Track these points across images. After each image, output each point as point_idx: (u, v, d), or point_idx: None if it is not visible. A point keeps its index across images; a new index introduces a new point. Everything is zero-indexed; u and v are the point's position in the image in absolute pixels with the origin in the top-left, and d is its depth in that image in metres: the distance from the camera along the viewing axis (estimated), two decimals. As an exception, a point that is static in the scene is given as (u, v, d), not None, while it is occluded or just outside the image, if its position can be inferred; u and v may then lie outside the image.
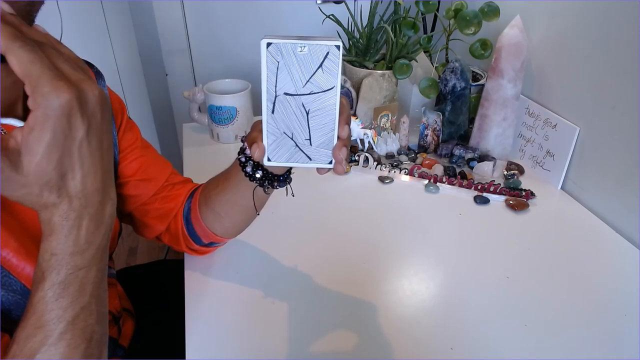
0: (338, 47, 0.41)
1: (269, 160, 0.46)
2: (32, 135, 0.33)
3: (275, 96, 0.43)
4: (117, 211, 0.64)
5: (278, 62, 0.42)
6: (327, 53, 0.42)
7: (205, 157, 1.05)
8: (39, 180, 0.34)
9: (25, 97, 0.33)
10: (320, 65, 0.42)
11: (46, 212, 0.36)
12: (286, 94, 0.43)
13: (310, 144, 0.46)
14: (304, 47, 0.41)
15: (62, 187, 0.36)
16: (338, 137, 0.45)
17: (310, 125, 0.45)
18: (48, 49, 0.34)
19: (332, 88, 0.43)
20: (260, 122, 0.47)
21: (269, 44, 0.41)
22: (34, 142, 0.33)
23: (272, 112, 0.44)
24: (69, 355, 0.37)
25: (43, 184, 0.35)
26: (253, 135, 0.48)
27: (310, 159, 0.46)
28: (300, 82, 0.43)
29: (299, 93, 0.43)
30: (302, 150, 0.46)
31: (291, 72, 0.42)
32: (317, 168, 0.48)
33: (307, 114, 0.44)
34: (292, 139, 0.45)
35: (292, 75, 0.42)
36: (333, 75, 0.43)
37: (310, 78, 0.43)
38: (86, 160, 0.36)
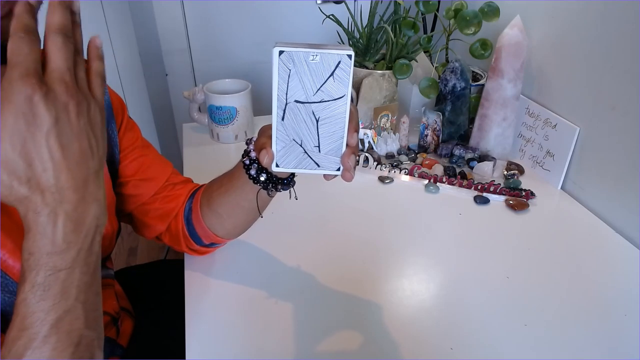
0: (350, 56, 0.42)
1: (277, 166, 0.47)
2: None
3: (286, 103, 0.44)
4: (117, 211, 0.64)
5: (290, 70, 0.42)
6: (339, 62, 0.42)
7: (205, 157, 1.05)
8: (5, 167, 0.35)
9: None
10: (332, 74, 0.42)
11: (21, 206, 0.36)
12: (297, 101, 0.44)
13: (319, 151, 0.46)
14: (316, 55, 0.42)
15: (32, 179, 0.36)
16: (347, 145, 0.46)
17: (319, 133, 0.45)
18: (56, 38, 0.36)
19: (342, 96, 0.43)
20: (268, 127, 0.47)
21: (281, 52, 0.41)
22: None
23: (282, 119, 0.44)
24: (56, 358, 0.37)
25: (10, 171, 0.35)
26: (262, 141, 0.48)
27: (318, 166, 0.47)
28: (311, 90, 0.43)
29: (309, 101, 0.44)
30: (310, 157, 0.46)
31: (302, 80, 0.43)
32: (324, 174, 0.48)
33: (317, 121, 0.45)
34: (301, 145, 0.46)
35: (303, 83, 0.43)
36: (344, 84, 0.43)
37: (321, 86, 0.43)
38: (57, 155, 0.36)
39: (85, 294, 0.39)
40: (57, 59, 0.36)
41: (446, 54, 1.11)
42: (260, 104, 1.18)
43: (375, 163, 0.96)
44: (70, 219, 0.37)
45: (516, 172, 0.94)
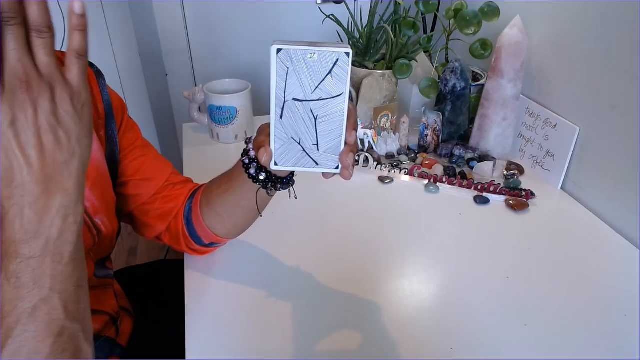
0: (348, 54, 0.42)
1: (276, 164, 0.47)
2: None
3: (284, 102, 0.44)
4: (117, 211, 0.64)
5: (288, 68, 0.42)
6: (337, 60, 0.42)
7: (205, 157, 1.05)
8: None
9: None
10: (330, 72, 0.42)
11: None
12: (295, 99, 0.44)
13: (318, 149, 0.46)
14: (314, 53, 0.42)
15: None
16: (345, 143, 0.46)
17: (318, 131, 0.45)
18: (14, 31, 0.34)
19: (340, 94, 0.43)
20: (267, 126, 0.47)
21: (279, 50, 0.41)
22: None
23: (281, 117, 0.44)
24: (36, 348, 0.37)
25: None
26: (260, 140, 0.48)
27: (317, 164, 0.47)
28: (309, 88, 0.43)
29: (307, 99, 0.44)
30: (309, 155, 0.46)
31: (300, 78, 0.43)
32: (323, 173, 0.48)
33: (315, 119, 0.44)
34: (299, 144, 0.46)
35: (301, 82, 0.43)
36: (342, 82, 0.43)
37: (319, 84, 0.43)
38: (18, 152, 0.36)
39: (62, 285, 0.39)
40: (5, 51, 0.35)
41: (446, 54, 1.11)
42: (260, 104, 1.18)
43: (375, 163, 0.96)
44: (32, 209, 0.38)
45: (516, 172, 0.94)
